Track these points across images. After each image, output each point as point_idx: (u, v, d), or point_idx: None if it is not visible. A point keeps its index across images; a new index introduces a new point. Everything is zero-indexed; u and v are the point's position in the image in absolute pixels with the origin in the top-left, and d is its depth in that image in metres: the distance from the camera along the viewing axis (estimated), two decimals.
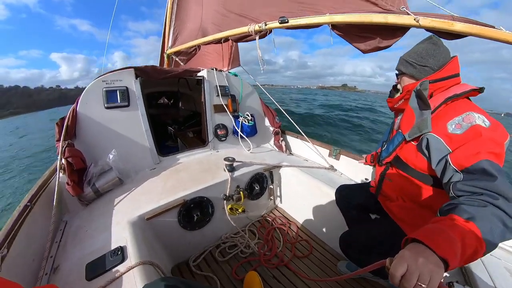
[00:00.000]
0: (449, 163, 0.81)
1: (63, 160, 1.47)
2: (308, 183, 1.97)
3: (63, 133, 1.55)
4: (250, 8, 2.10)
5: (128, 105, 1.89)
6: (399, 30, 1.43)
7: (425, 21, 1.25)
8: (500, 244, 1.21)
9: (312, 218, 2.01)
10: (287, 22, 1.82)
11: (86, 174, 1.63)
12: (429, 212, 1.04)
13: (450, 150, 0.83)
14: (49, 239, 1.22)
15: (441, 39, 1.08)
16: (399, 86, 1.17)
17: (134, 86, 1.94)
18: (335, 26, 1.68)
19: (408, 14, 1.33)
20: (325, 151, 2.22)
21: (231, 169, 1.83)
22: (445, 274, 0.60)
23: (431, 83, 0.99)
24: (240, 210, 1.82)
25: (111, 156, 1.71)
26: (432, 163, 0.90)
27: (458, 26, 1.17)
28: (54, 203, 1.36)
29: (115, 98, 1.83)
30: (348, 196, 1.54)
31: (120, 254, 1.07)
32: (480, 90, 0.92)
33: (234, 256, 1.75)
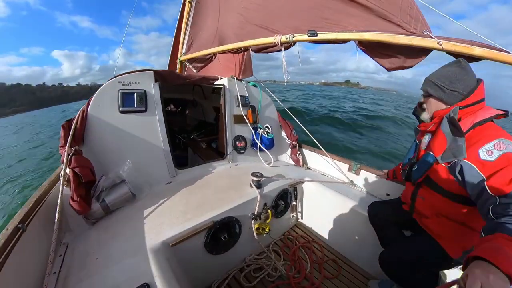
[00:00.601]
0: (486, 190, 0.87)
1: (67, 170, 1.23)
2: (333, 199, 1.89)
3: (69, 138, 1.33)
4: (272, 20, 2.06)
5: (145, 110, 1.70)
6: (423, 52, 1.49)
7: (447, 45, 1.31)
8: None
9: (337, 236, 1.91)
10: (316, 35, 1.80)
11: (95, 188, 1.39)
12: (465, 228, 1.08)
13: (483, 177, 0.88)
14: (48, 272, 0.95)
15: (468, 63, 1.11)
16: (424, 106, 1.20)
17: (153, 90, 1.76)
18: (361, 43, 1.70)
19: (431, 37, 1.39)
20: (344, 166, 2.18)
21: (259, 185, 1.68)
22: None
23: (461, 109, 1.02)
24: (266, 230, 1.67)
25: (125, 168, 1.49)
26: (467, 188, 0.96)
27: (477, 51, 1.24)
28: (56, 225, 1.06)
29: (131, 101, 1.64)
30: (384, 214, 1.51)
31: None
32: (505, 114, 0.99)
33: (261, 281, 1.57)
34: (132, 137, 1.65)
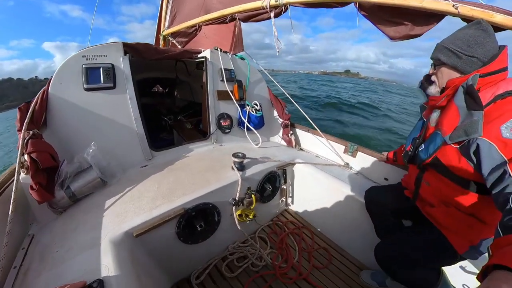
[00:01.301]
0: (509, 174, 0.73)
1: (25, 156, 1.12)
2: (326, 183, 1.74)
3: (26, 121, 1.19)
4: None
5: (114, 87, 1.54)
6: (434, 17, 1.29)
7: (464, 9, 1.13)
8: None
9: (330, 222, 1.79)
10: None
11: (58, 173, 1.27)
12: (473, 219, 0.95)
13: (505, 158, 0.75)
14: (2, 266, 0.87)
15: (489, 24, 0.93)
16: (433, 78, 1.05)
17: (122, 64, 1.58)
18: (362, 7, 1.52)
19: None
20: (340, 147, 2.00)
21: (241, 167, 1.53)
22: None
23: (481, 78, 0.87)
24: (250, 216, 1.55)
25: (90, 151, 1.36)
26: (483, 171, 0.81)
27: (499, 18, 1.06)
28: (10, 215, 0.97)
29: (97, 77, 1.48)
30: (382, 201, 1.38)
31: None
32: None
33: (244, 270, 1.49)
34: (100, 117, 1.50)
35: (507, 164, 0.74)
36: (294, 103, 2.31)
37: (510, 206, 0.69)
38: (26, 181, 1.13)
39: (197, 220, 1.34)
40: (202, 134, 2.17)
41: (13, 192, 1.02)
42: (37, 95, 1.34)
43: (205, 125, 2.03)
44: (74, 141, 1.42)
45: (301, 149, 2.27)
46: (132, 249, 1.04)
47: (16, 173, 1.07)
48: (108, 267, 0.87)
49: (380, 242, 1.26)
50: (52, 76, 1.40)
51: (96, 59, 1.50)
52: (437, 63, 1.01)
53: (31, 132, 1.18)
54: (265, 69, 2.43)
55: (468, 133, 0.84)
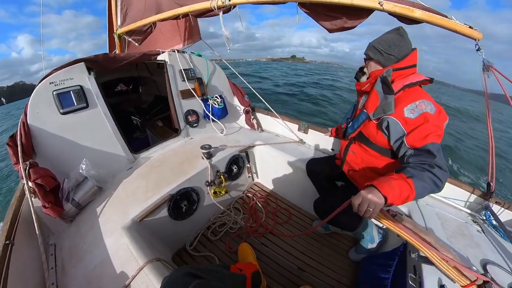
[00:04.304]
0: (404, 143, 1.10)
1: (30, 184, 1.39)
2: (281, 158, 2.25)
3: (20, 154, 1.43)
4: None
5: (87, 106, 1.78)
6: (364, 12, 1.55)
7: (388, 6, 1.40)
8: (434, 196, 1.73)
9: (288, 189, 2.36)
10: None
11: (61, 191, 1.61)
12: None
13: (406, 132, 1.10)
14: (45, 268, 1.18)
15: (406, 31, 1.23)
16: (365, 70, 1.36)
17: (89, 83, 1.79)
18: (302, 4, 1.73)
19: None
20: (294, 126, 2.48)
21: (209, 156, 1.98)
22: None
23: (394, 71, 1.18)
24: (223, 192, 2.05)
25: (83, 167, 1.70)
26: (390, 141, 1.18)
27: (418, 13, 1.36)
28: (38, 232, 1.30)
29: (70, 100, 1.69)
30: (317, 169, 1.86)
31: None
32: (431, 80, 1.19)
33: (225, 233, 2.04)
34: (82, 135, 1.78)
35: (405, 136, 1.09)
36: (252, 89, 2.68)
37: (404, 163, 1.09)
38: (37, 204, 1.43)
39: (182, 202, 1.80)
40: (173, 130, 2.50)
41: (33, 214, 1.33)
42: (18, 127, 1.52)
43: (174, 123, 2.36)
44: (65, 160, 1.70)
45: (263, 131, 2.72)
46: (139, 231, 1.45)
47: (29, 199, 1.36)
48: (127, 244, 1.28)
49: (316, 198, 1.77)
50: (26, 106, 1.57)
51: (63, 83, 1.68)
52: (367, 58, 1.30)
53: (27, 163, 1.43)
54: (212, 59, 2.59)
55: (385, 111, 1.15)
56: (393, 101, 1.14)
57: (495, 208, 1.58)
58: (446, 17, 1.39)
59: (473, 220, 1.57)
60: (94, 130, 1.85)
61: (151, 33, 2.51)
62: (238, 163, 2.27)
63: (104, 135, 1.89)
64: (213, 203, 1.99)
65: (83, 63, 1.78)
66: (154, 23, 2.31)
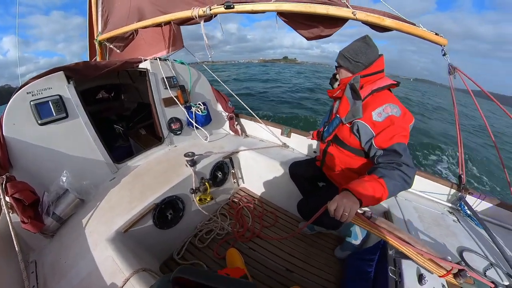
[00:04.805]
0: (373, 145, 1.19)
1: (7, 199, 1.36)
2: (265, 163, 2.32)
3: None
4: None
5: (67, 116, 1.76)
6: (340, 21, 1.67)
7: (361, 15, 1.52)
8: (411, 191, 1.86)
9: (273, 192, 2.43)
10: (233, 7, 1.87)
11: (41, 205, 1.57)
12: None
13: (374, 134, 1.19)
14: (26, 286, 1.16)
15: (371, 39, 1.34)
16: (337, 76, 1.45)
17: (69, 92, 1.78)
18: (281, 13, 1.82)
19: (348, 7, 1.57)
20: (277, 131, 2.57)
21: (193, 163, 2.01)
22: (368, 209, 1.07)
23: (362, 78, 1.28)
24: (208, 199, 2.07)
25: (64, 179, 1.67)
26: (361, 143, 1.28)
27: (388, 22, 1.49)
28: (17, 249, 1.27)
29: (48, 110, 1.67)
30: (299, 172, 1.95)
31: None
32: (397, 84, 1.30)
33: (212, 240, 2.06)
34: (62, 146, 1.75)
35: (373, 138, 1.18)
36: (235, 95, 2.74)
37: (375, 164, 1.18)
38: (15, 219, 1.38)
39: (167, 210, 1.81)
40: (157, 138, 2.50)
41: (11, 231, 1.29)
42: None
43: (158, 131, 2.37)
44: (44, 173, 1.66)
45: (247, 136, 2.79)
46: (124, 242, 1.44)
47: (7, 215, 1.32)
48: (112, 256, 1.28)
49: (300, 200, 1.87)
50: (1, 117, 1.53)
51: (41, 93, 1.65)
52: (338, 66, 1.40)
53: (4, 177, 1.39)
54: (203, 61, 2.67)
55: (355, 116, 1.25)
56: (361, 106, 1.24)
57: (469, 198, 1.73)
58: (414, 25, 1.54)
59: (449, 211, 1.72)
60: (75, 141, 1.82)
61: (133, 40, 2.51)
62: (223, 169, 2.31)
63: (85, 145, 1.87)
64: (199, 211, 2.01)
65: (62, 71, 1.76)
66: (136, 30, 2.32)
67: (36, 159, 1.65)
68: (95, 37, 2.59)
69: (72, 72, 1.81)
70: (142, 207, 1.62)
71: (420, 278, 1.08)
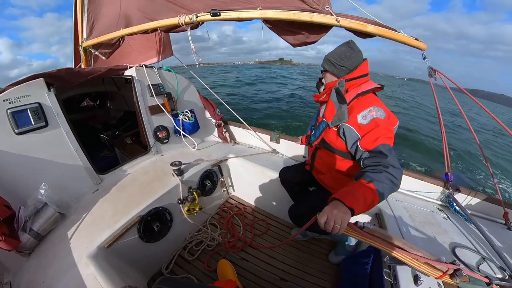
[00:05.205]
0: (359, 147, 1.20)
1: None
2: (254, 170, 2.31)
3: None
4: None
5: (46, 125, 1.68)
6: (324, 28, 1.71)
7: (345, 22, 1.57)
8: (401, 191, 1.90)
9: (264, 199, 2.41)
10: (219, 15, 1.88)
11: (17, 220, 1.48)
12: (351, 179, 1.41)
13: (359, 136, 1.20)
14: None
15: (356, 43, 1.39)
16: (323, 81, 1.48)
17: (49, 100, 1.71)
18: (267, 21, 1.84)
19: (331, 14, 1.61)
20: (266, 137, 2.57)
21: (180, 172, 1.96)
22: (365, 221, 1.05)
23: (347, 81, 1.31)
24: (197, 209, 2.01)
25: (42, 192, 1.59)
26: (348, 146, 1.29)
27: (370, 28, 1.54)
28: None
29: (27, 119, 1.59)
30: (289, 177, 1.95)
31: None
32: (381, 88, 1.34)
33: (202, 252, 2.00)
34: (41, 157, 1.67)
35: (359, 141, 1.19)
36: (223, 102, 2.75)
37: (362, 166, 1.17)
38: None
39: (153, 223, 1.74)
40: (143, 147, 2.45)
41: None
42: None
43: (143, 140, 2.32)
44: (21, 186, 1.58)
45: (236, 143, 2.78)
46: (107, 258, 1.37)
47: None
48: (94, 274, 1.21)
49: (291, 205, 1.85)
50: None
51: (19, 100, 1.59)
52: (323, 70, 1.43)
53: None
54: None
55: (341, 119, 1.27)
56: (346, 110, 1.26)
57: (457, 195, 1.79)
58: (396, 30, 1.61)
59: (438, 209, 1.77)
60: (55, 151, 1.74)
61: (120, 47, 2.48)
62: (212, 177, 2.27)
63: (66, 155, 1.79)
64: (187, 221, 1.95)
65: (42, 78, 1.70)
66: (123, 37, 2.29)
67: (11, 171, 1.57)
68: (80, 43, 2.55)
69: (53, 79, 1.75)
70: (126, 220, 1.55)
71: (416, 279, 1.09)
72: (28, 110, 1.61)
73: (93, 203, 1.73)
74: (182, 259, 1.95)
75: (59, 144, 1.77)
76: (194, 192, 1.98)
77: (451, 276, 0.97)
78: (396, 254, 0.97)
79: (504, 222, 1.66)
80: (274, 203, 2.35)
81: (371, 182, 1.02)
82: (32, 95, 1.65)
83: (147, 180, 1.93)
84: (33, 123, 1.63)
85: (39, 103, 1.67)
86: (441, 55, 75.31)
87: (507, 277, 1.13)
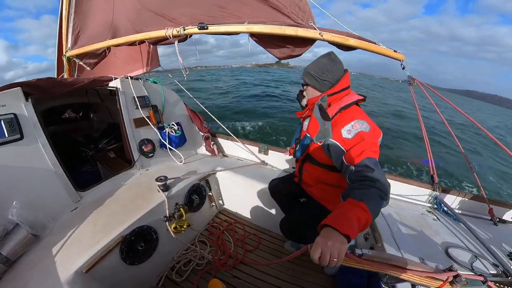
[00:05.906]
0: (344, 162, 1.18)
1: None
2: (243, 183, 2.29)
3: None
4: (169, 7, 2.09)
5: (21, 138, 1.59)
6: (308, 41, 1.80)
7: (327, 36, 1.67)
8: (390, 195, 1.95)
9: (254, 213, 2.37)
10: (206, 28, 1.93)
11: None
12: (340, 190, 1.42)
13: (345, 151, 1.19)
14: None
15: (337, 55, 1.41)
16: (305, 93, 1.49)
17: (26, 111, 1.63)
18: (253, 34, 1.91)
19: (315, 29, 1.72)
20: (255, 149, 2.58)
21: (166, 188, 1.90)
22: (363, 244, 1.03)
23: (330, 96, 1.31)
24: (185, 226, 1.95)
25: (14, 210, 1.47)
26: (333, 161, 1.29)
27: (352, 41, 1.64)
28: None
29: (0, 131, 1.51)
30: (279, 189, 1.95)
31: None
32: (364, 99, 1.35)
33: (192, 272, 1.90)
34: (14, 172, 1.56)
35: (343, 155, 1.17)
36: (211, 115, 2.74)
37: (348, 181, 1.13)
38: None
39: (137, 243, 1.65)
40: (127, 161, 2.36)
41: None
42: None
43: (128, 154, 2.24)
44: None
45: (225, 155, 2.76)
46: (86, 285, 1.28)
47: None
48: None
49: (282, 218, 1.81)
50: None
51: None
52: (304, 83, 1.43)
53: None
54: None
55: (325, 137, 1.27)
56: (330, 127, 1.26)
57: (443, 196, 1.88)
58: (375, 43, 1.72)
59: (427, 211, 1.85)
60: (30, 166, 1.64)
61: (106, 58, 2.44)
62: (200, 192, 2.21)
63: (42, 171, 1.69)
64: (175, 240, 1.87)
65: (19, 88, 1.63)
66: (109, 48, 2.27)
67: None
68: (64, 53, 2.49)
69: (31, 89, 1.68)
70: (108, 241, 1.46)
71: (413, 286, 1.08)
72: (1, 121, 1.52)
73: (71, 223, 1.62)
74: (170, 281, 1.84)
75: (34, 158, 1.67)
76: (181, 208, 1.91)
77: (451, 283, 0.98)
78: (397, 274, 0.94)
79: (490, 218, 1.75)
80: (265, 216, 2.31)
81: (361, 201, 0.96)
82: (8, 105, 1.58)
83: (130, 197, 1.85)
84: (6, 135, 1.53)
85: (14, 114, 1.58)
86: (436, 57, 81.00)
87: (500, 273, 1.17)
